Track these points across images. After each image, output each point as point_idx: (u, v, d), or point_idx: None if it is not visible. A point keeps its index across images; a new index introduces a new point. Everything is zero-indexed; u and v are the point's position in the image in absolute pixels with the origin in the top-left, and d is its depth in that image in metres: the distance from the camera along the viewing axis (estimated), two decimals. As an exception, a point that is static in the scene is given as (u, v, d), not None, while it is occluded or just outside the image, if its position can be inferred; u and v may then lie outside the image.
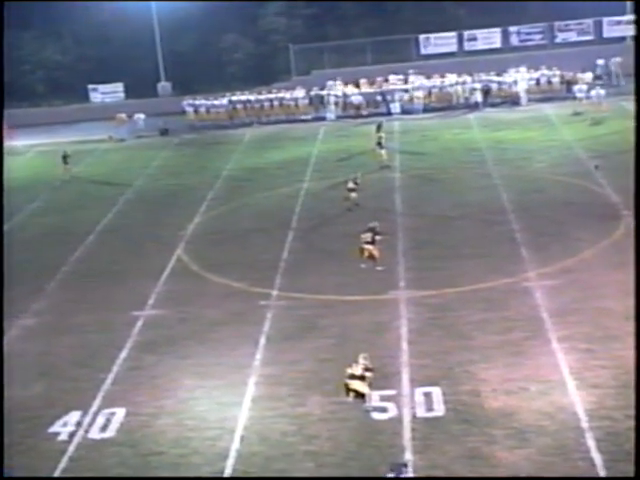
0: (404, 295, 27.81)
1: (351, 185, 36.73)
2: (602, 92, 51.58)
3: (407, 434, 20.02)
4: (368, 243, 29.91)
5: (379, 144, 43.47)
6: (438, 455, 19.12)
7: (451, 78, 58.06)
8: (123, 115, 60.13)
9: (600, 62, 57.95)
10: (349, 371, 21.43)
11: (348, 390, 21.38)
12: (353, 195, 36.52)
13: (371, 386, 21.33)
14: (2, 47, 55.46)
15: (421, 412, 20.93)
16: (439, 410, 20.94)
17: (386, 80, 59.29)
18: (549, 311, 25.51)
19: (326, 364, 23.57)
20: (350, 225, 33.62)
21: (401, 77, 59.19)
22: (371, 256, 29.92)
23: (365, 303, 27.54)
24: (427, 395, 21.58)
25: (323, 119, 57.35)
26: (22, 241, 37.27)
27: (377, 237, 30.06)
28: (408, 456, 19.00)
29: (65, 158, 47.61)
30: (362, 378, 21.33)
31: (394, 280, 29.04)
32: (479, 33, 63.87)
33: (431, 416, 20.74)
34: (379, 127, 46.75)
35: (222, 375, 23.62)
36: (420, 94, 57.61)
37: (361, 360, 21.55)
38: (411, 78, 59.12)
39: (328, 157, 47.07)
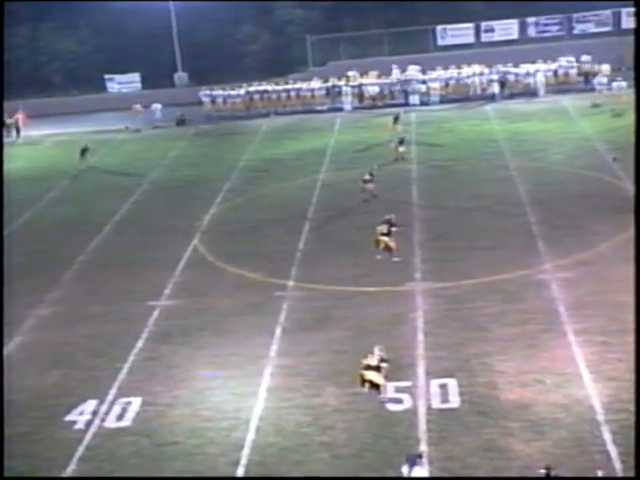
0: (420, 287, 27.78)
1: (367, 177, 36.68)
2: (623, 84, 51.27)
3: (422, 426, 20.02)
4: (384, 235, 29.90)
5: (401, 141, 43.24)
6: (453, 447, 19.11)
7: (468, 69, 57.88)
8: (138, 106, 60.16)
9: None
10: (364, 362, 21.44)
11: (363, 381, 21.39)
12: (369, 186, 36.47)
13: (386, 377, 21.33)
14: (2, 47, 55.52)
15: (436, 404, 20.93)
16: (454, 402, 20.93)
17: (404, 71, 59.16)
18: (565, 304, 25.44)
19: (342, 355, 23.58)
20: (366, 216, 33.58)
21: (419, 68, 59.04)
22: (387, 248, 29.92)
23: (381, 294, 27.52)
24: (443, 387, 21.57)
25: (340, 110, 57.26)
26: (39, 231, 37.43)
27: (393, 229, 30.06)
28: (423, 447, 19.00)
29: (84, 151, 47.61)
30: (377, 369, 21.35)
31: (410, 272, 29.00)
32: (496, 24, 63.60)
33: (446, 408, 20.73)
34: (396, 119, 46.62)
35: (238, 365, 23.66)
36: (437, 85, 57.45)
37: (377, 351, 21.56)
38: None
39: (344, 148, 46.99)
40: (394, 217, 30.66)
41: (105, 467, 19.66)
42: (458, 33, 64.09)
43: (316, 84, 59.39)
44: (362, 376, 21.43)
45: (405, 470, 17.00)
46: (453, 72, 58.11)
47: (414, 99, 56.80)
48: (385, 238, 29.91)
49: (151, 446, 20.33)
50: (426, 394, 21.32)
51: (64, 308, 28.90)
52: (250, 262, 31.10)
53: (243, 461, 19.36)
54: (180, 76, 67.45)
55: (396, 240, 29.99)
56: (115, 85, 68.08)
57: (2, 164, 35.45)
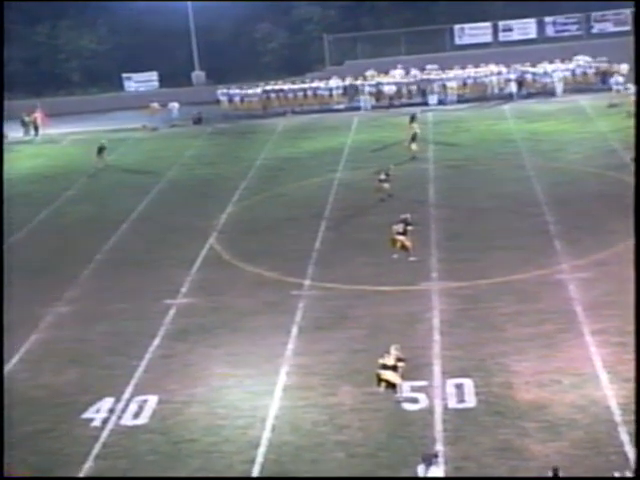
0: (436, 286, 27.76)
1: (383, 176, 36.66)
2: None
3: (438, 425, 20.01)
4: (400, 234, 29.92)
5: (413, 138, 43.23)
6: (469, 447, 19.09)
7: (485, 69, 57.79)
8: (155, 104, 60.31)
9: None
10: (381, 361, 21.47)
11: (380, 380, 21.42)
12: (385, 186, 36.44)
13: (403, 377, 21.34)
14: (2, 46, 55.73)
15: (452, 403, 20.91)
16: (471, 402, 20.91)
17: (422, 70, 59.14)
18: (582, 304, 25.38)
19: (358, 354, 23.59)
20: (383, 216, 33.57)
21: (437, 67, 59.03)
22: (403, 247, 29.94)
23: (397, 294, 27.51)
24: (459, 386, 21.55)
25: (357, 109, 57.26)
26: (57, 229, 37.60)
27: (409, 228, 30.05)
28: (439, 447, 18.99)
29: (101, 150, 47.74)
30: (394, 368, 21.39)
31: (426, 271, 28.99)
32: (514, 24, 63.50)
33: (462, 407, 20.71)
34: (412, 118, 46.60)
35: (254, 364, 23.69)
36: (454, 85, 57.39)
37: (393, 351, 21.58)
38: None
39: (361, 147, 46.99)
40: (410, 216, 30.66)
41: (122, 464, 19.73)
42: (476, 32, 64.02)
43: (333, 83, 59.40)
44: (378, 376, 21.47)
45: (421, 469, 16.99)
46: (470, 71, 58.03)
47: (432, 99, 56.74)
48: (401, 237, 29.94)
49: (167, 444, 20.39)
50: (442, 394, 21.31)
51: (82, 306, 29.01)
52: (266, 261, 31.14)
53: (259, 459, 19.39)
54: (197, 75, 67.60)
55: (412, 239, 29.99)
56: (133, 84, 68.33)
57: (2, 164, 35.50)
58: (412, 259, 29.73)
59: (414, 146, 42.93)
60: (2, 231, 33.38)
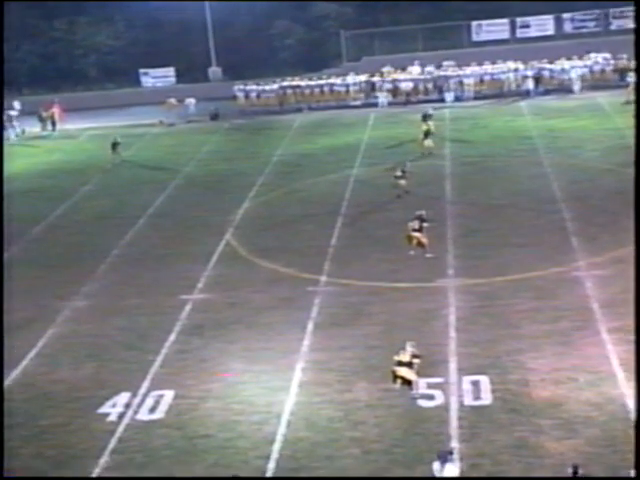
0: (453, 283, 27.72)
1: (399, 173, 36.62)
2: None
3: (454, 422, 19.99)
4: (416, 230, 29.96)
5: (426, 135, 43.17)
6: (485, 444, 19.07)
7: (503, 65, 57.63)
8: (172, 100, 60.42)
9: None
10: (396, 358, 21.48)
11: (395, 377, 21.42)
12: (402, 182, 36.39)
13: (418, 373, 21.34)
14: (2, 45, 55.89)
15: (468, 400, 20.89)
16: (486, 399, 20.88)
17: (439, 67, 59.06)
18: (599, 301, 25.30)
19: (373, 351, 23.59)
20: (399, 212, 33.57)
21: (454, 64, 58.93)
22: (419, 244, 29.94)
23: (413, 290, 27.49)
24: (475, 383, 21.53)
25: (374, 105, 57.22)
26: (74, 224, 37.70)
27: (424, 224, 30.03)
28: (454, 444, 18.97)
29: (115, 145, 47.85)
30: (410, 365, 21.40)
31: (443, 268, 28.96)
32: (532, 20, 63.30)
33: (478, 405, 20.68)
34: (425, 117, 46.48)
35: (270, 360, 23.72)
36: (471, 81, 57.28)
37: (409, 347, 21.58)
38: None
39: (378, 144, 46.96)
40: (425, 213, 30.66)
41: (137, 459, 19.78)
42: (493, 29, 63.86)
43: (350, 79, 59.37)
44: (394, 372, 21.48)
45: (437, 466, 16.96)
46: (487, 68, 57.90)
47: (449, 96, 56.64)
48: (417, 234, 29.96)
49: (183, 439, 20.44)
50: (458, 391, 21.29)
51: (98, 301, 29.10)
52: (283, 257, 31.17)
53: (274, 455, 19.41)
54: (214, 71, 67.68)
55: (428, 236, 29.98)
56: (150, 79, 68.47)
57: (2, 163, 35.54)
58: (429, 256, 29.73)
59: (427, 143, 42.87)
60: (2, 229, 33.33)
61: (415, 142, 44.90)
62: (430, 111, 47.80)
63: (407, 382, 21.38)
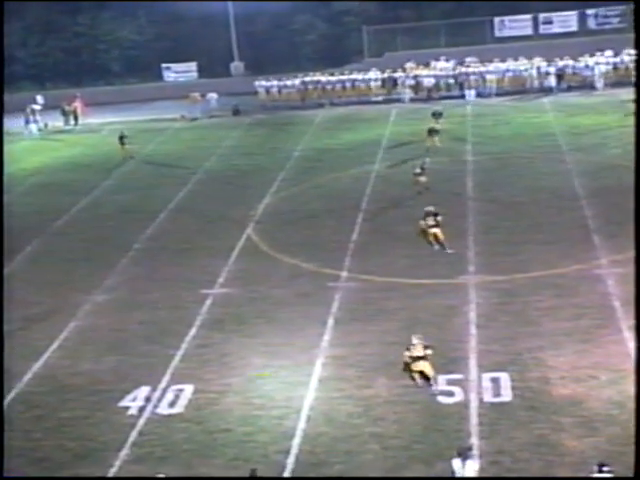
0: (473, 280, 27.67)
1: (418, 170, 36.56)
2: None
3: (474, 419, 19.97)
4: (432, 227, 30.14)
5: (430, 132, 43.11)
6: (505, 441, 19.05)
7: (525, 62, 57.40)
8: (196, 94, 60.56)
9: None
10: (408, 354, 21.65)
11: (413, 373, 21.42)
12: (422, 179, 36.32)
13: (434, 365, 21.33)
14: (2, 44, 56.12)
15: (488, 397, 20.86)
16: (506, 396, 20.85)
17: (461, 63, 58.93)
18: (620, 299, 25.17)
19: (393, 347, 23.54)
20: (420, 208, 33.38)
21: (476, 60, 58.77)
22: (437, 240, 30.05)
23: (434, 287, 27.46)
24: (495, 380, 21.50)
25: (395, 101, 57.16)
26: (96, 218, 37.82)
27: (439, 218, 30.27)
28: (474, 441, 18.96)
29: (122, 139, 48.02)
30: (425, 358, 21.53)
31: (464, 264, 28.91)
32: (555, 16, 62.99)
33: (498, 402, 20.66)
34: (435, 114, 46.43)
35: (290, 355, 23.75)
36: (493, 78, 57.09)
37: (416, 340, 21.78)
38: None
39: (399, 140, 46.85)
40: (434, 208, 30.83)
41: (157, 452, 19.87)
42: (516, 25, 63.63)
43: (372, 75, 59.32)
44: (412, 369, 21.54)
45: (457, 463, 16.92)
46: (510, 64, 57.67)
47: (470, 92, 56.46)
48: (435, 230, 30.12)
49: (203, 433, 20.51)
50: (478, 387, 21.26)
51: (120, 294, 29.21)
52: (303, 252, 31.18)
53: (293, 450, 19.46)
54: (236, 65, 67.74)
55: (444, 231, 30.10)
56: (172, 74, 68.61)
57: (2, 162, 35.66)
58: (450, 251, 29.73)
59: (431, 142, 42.75)
60: (2, 227, 33.38)
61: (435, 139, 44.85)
62: (439, 109, 47.71)
63: (426, 377, 21.45)
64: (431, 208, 30.90)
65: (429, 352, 21.59)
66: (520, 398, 20.70)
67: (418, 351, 21.77)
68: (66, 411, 21.95)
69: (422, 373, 21.69)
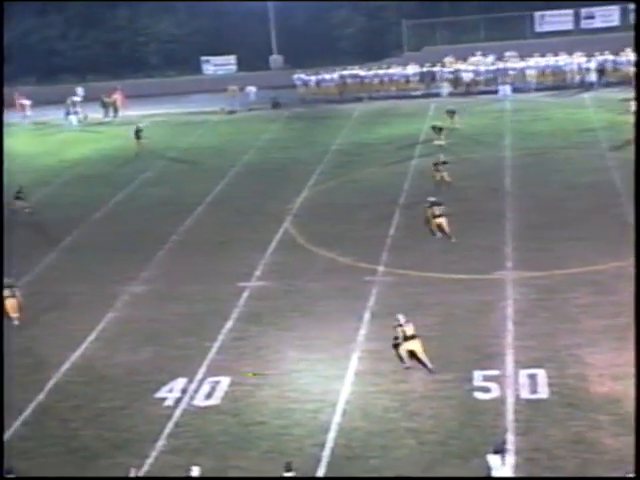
0: (511, 275, 27.52)
1: (440, 167, 36.53)
2: None
3: (510, 415, 19.88)
4: (437, 216, 30.75)
5: (439, 130, 43.16)
6: (541, 438, 18.95)
7: (566, 57, 56.98)
8: (235, 87, 60.71)
9: None
10: (401, 334, 22.20)
11: (399, 352, 22.23)
12: (443, 175, 36.30)
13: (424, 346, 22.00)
14: (2, 44, 56.49)
15: (525, 394, 20.76)
16: (543, 393, 20.74)
17: (501, 57, 58.62)
18: (660, 297, 24.93)
19: (429, 342, 23.40)
20: (457, 203, 33.41)
21: (516, 54, 58.44)
22: (441, 229, 30.67)
23: (471, 282, 27.35)
24: (532, 377, 21.38)
25: (434, 96, 56.96)
26: (133, 210, 38.05)
27: (442, 207, 30.88)
28: (510, 437, 18.87)
29: (138, 132, 48.30)
30: (415, 337, 22.10)
31: (501, 260, 28.77)
32: (597, 11, 62.38)
33: (535, 398, 20.55)
34: (449, 112, 46.33)
35: (326, 349, 23.75)
36: (533, 73, 56.74)
37: (402, 319, 22.28)
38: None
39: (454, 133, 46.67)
40: (436, 198, 31.38)
41: (193, 444, 19.96)
42: (556, 20, 63.10)
43: (410, 69, 59.17)
44: (405, 349, 22.16)
45: (497, 460, 16.80)
46: (550, 59, 57.28)
47: (506, 88, 56.11)
48: (439, 220, 30.72)
49: (238, 425, 20.57)
50: (514, 384, 21.16)
51: (157, 286, 29.35)
52: (340, 246, 31.17)
53: (329, 444, 19.46)
54: (275, 59, 67.82)
55: (449, 221, 30.75)
56: (211, 67, 68.81)
57: (2, 159, 35.89)
58: (454, 240, 30.38)
59: (440, 141, 42.72)
60: (2, 226, 33.55)
61: (474, 132, 44.65)
62: (453, 107, 47.49)
63: (415, 356, 22.14)
64: (433, 199, 31.35)
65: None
66: (557, 395, 20.58)
67: (409, 330, 22.14)
68: (103, 401, 22.11)
69: (412, 353, 22.12)
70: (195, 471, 17.36)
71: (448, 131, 44.33)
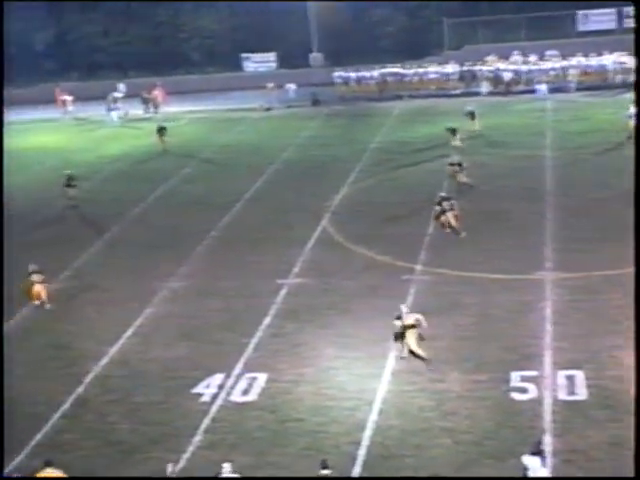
0: (550, 276, 27.37)
1: (457, 168, 36.54)
2: None
3: (547, 416, 19.80)
4: (446, 212, 31.23)
5: (453, 131, 43.05)
6: (578, 440, 18.85)
7: (608, 57, 56.50)
8: (271, 85, 60.84)
9: None
10: (399, 323, 22.79)
11: (403, 342, 22.79)
12: (461, 176, 36.34)
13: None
14: (2, 43, 56.70)
15: (562, 395, 20.66)
16: (581, 394, 20.64)
17: (542, 57, 58.27)
18: (700, 299, 24.69)
19: (466, 342, 23.48)
20: (497, 203, 33.31)
21: (557, 54, 58.06)
22: (450, 224, 31.06)
23: (509, 282, 27.23)
24: (569, 378, 21.27)
25: (474, 95, 56.71)
26: (172, 207, 38.19)
27: (451, 202, 31.35)
28: (547, 438, 18.77)
29: (161, 130, 48.54)
30: (415, 326, 22.63)
31: (540, 260, 28.61)
32: (641, 9, 61.71)
33: (573, 400, 20.45)
34: (469, 114, 46.14)
35: (362, 347, 23.76)
36: (575, 72, 56.34)
37: (404, 309, 22.95)
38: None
39: (477, 133, 46.48)
40: (445, 194, 31.84)
41: (230, 439, 20.05)
42: (599, 19, 62.57)
43: (450, 68, 59.01)
44: (403, 337, 22.74)
45: (536, 462, 16.73)
46: (592, 59, 56.84)
47: (540, 88, 55.75)
48: (448, 215, 31.22)
49: (275, 422, 20.64)
50: (552, 385, 21.06)
51: (195, 282, 29.48)
52: (378, 244, 31.14)
53: (365, 442, 19.49)
54: (315, 56, 67.80)
55: (457, 216, 31.30)
56: (251, 64, 68.89)
57: (2, 157, 36.03)
58: (463, 235, 30.79)
59: (457, 141, 42.58)
60: (2, 226, 33.69)
61: (514, 131, 44.40)
62: (472, 109, 47.23)
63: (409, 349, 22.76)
64: (443, 194, 31.90)
65: (418, 317, 22.74)
66: (595, 397, 20.46)
67: (409, 320, 22.68)
68: (141, 396, 22.26)
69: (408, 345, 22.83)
70: (226, 468, 17.39)
71: (468, 133, 44.16)
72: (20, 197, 40.55)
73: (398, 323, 22.88)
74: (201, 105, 60.44)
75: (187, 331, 25.80)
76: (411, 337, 22.73)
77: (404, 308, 23.23)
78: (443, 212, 31.46)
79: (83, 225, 36.49)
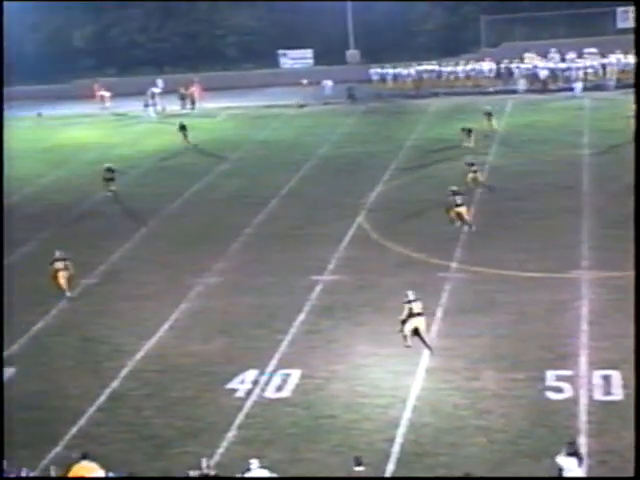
0: (587, 275, 27.20)
1: (473, 168, 36.47)
2: None
3: (583, 416, 19.65)
4: (457, 205, 31.45)
5: (469, 132, 43.06)
6: (614, 440, 18.70)
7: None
8: (305, 81, 60.89)
9: None
10: (408, 311, 22.99)
11: (404, 331, 22.99)
12: (477, 176, 36.27)
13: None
14: (2, 42, 56.90)
15: (598, 395, 20.52)
16: (618, 394, 20.48)
17: (580, 55, 57.88)
18: None
19: (502, 340, 23.37)
20: (533, 201, 33.15)
21: (596, 51, 57.64)
22: (461, 217, 31.33)
23: (546, 281, 27.08)
24: (606, 378, 21.12)
25: (511, 92, 56.46)
26: (208, 202, 38.33)
27: (463, 196, 31.71)
28: (582, 439, 18.65)
29: (182, 128, 48.79)
30: (420, 315, 22.95)
31: (577, 259, 28.44)
32: (684, 5, 61.14)
33: (609, 400, 20.30)
34: (487, 114, 45.98)
35: (397, 344, 23.66)
36: (614, 70, 55.90)
37: (411, 296, 23.12)
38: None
39: (514, 131, 46.29)
40: (456, 188, 31.96)
41: (264, 435, 20.06)
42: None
43: (487, 65, 58.79)
44: (407, 327, 22.93)
45: (573, 463, 16.61)
46: (632, 57, 56.30)
47: (577, 86, 55.36)
48: (460, 209, 31.40)
49: (308, 418, 20.64)
50: (588, 385, 20.92)
51: (230, 278, 29.54)
52: (414, 241, 31.08)
53: (398, 439, 19.43)
54: (352, 53, 67.78)
55: (468, 210, 31.75)
56: (288, 60, 69.00)
57: (2, 155, 36.20)
58: (474, 229, 31.15)
59: (470, 142, 42.38)
60: (2, 227, 33.76)
61: (552, 130, 44.13)
62: (490, 108, 46.94)
63: (417, 333, 22.92)
64: (454, 188, 32.03)
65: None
66: (631, 397, 20.24)
67: (417, 307, 22.89)
68: (175, 390, 22.33)
69: (415, 330, 22.91)
70: (255, 464, 17.36)
71: (485, 134, 44.00)
72: (60, 191, 40.91)
73: (406, 308, 23.14)
74: (238, 101, 60.64)
75: (222, 327, 25.86)
76: (421, 323, 23.11)
77: (411, 294, 23.32)
78: (455, 205, 31.63)
79: (120, 219, 36.71)
